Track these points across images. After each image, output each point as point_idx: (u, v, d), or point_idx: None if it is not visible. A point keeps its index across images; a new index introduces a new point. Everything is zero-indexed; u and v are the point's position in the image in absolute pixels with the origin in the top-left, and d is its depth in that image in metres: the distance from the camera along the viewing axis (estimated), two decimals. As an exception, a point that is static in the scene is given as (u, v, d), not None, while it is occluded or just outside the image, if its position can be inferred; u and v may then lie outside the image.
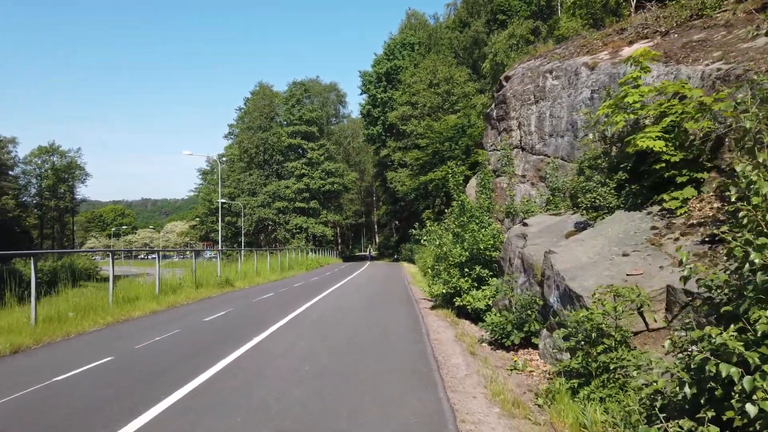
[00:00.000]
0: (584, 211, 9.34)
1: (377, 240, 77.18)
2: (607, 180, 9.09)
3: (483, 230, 11.34)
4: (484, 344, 8.73)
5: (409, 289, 17.50)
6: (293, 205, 58.22)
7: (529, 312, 8.09)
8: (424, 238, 12.28)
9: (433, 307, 12.54)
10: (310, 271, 31.89)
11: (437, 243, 11.82)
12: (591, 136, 11.17)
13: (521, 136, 14.90)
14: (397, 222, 65.29)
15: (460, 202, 12.01)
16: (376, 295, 15.78)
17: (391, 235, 68.72)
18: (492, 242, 11.22)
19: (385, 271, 30.24)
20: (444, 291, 11.49)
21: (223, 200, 59.60)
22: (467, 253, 11.50)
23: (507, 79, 16.27)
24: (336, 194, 61.97)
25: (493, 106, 16.86)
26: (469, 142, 31.89)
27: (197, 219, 73.46)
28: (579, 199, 9.56)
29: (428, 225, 12.44)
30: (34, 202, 77.07)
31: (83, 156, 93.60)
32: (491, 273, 11.39)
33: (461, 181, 13.04)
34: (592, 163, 9.84)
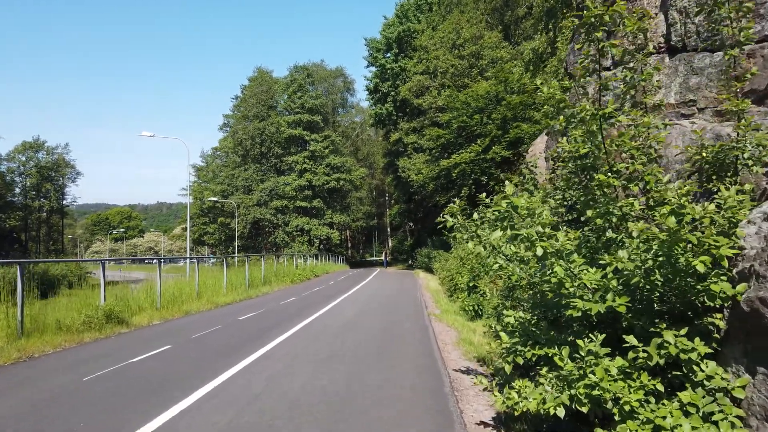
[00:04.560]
0: None
1: (390, 244, 69.32)
2: None
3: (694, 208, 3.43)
4: None
5: (432, 334, 9.65)
6: (294, 204, 50.73)
7: None
8: (487, 235, 4.36)
9: None
10: (295, 284, 24.19)
11: (539, 248, 3.71)
12: None
13: (673, 22, 7.04)
14: (411, 224, 57.51)
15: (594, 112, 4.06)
16: (360, 362, 7.95)
17: (404, 238, 60.93)
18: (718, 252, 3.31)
19: (394, 287, 22.37)
20: (557, 406, 3.56)
21: (213, 198, 52.71)
22: (622, 287, 3.60)
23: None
24: (342, 192, 54.21)
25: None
26: (508, 114, 23.95)
27: (189, 220, 66.15)
28: None
29: (507, 190, 4.43)
30: (19, 202, 70.72)
31: (72, 152, 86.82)
32: (702, 341, 3.47)
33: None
34: None
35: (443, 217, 5.14)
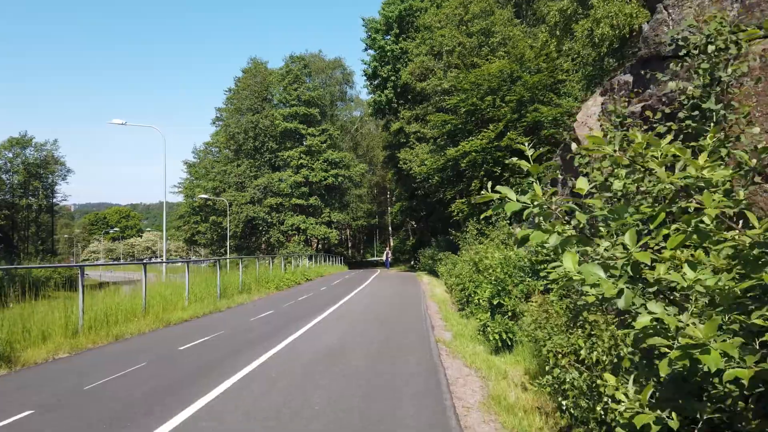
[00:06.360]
0: None
1: (391, 243, 66.19)
2: None
3: None
4: None
5: (445, 384, 6.52)
6: (289, 202, 47.68)
7: None
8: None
9: None
10: (281, 291, 21.09)
11: None
12: None
13: None
14: (413, 222, 54.38)
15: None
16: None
17: (406, 237, 57.84)
18: None
19: (394, 296, 19.29)
20: None
21: (204, 195, 49.77)
22: None
23: None
24: (341, 189, 51.07)
25: None
26: (524, 95, 20.79)
27: (181, 219, 63.12)
28: None
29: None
30: (5, 200, 67.75)
31: (61, 149, 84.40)
32: None
33: None
34: None
35: (494, 199, 2.03)
